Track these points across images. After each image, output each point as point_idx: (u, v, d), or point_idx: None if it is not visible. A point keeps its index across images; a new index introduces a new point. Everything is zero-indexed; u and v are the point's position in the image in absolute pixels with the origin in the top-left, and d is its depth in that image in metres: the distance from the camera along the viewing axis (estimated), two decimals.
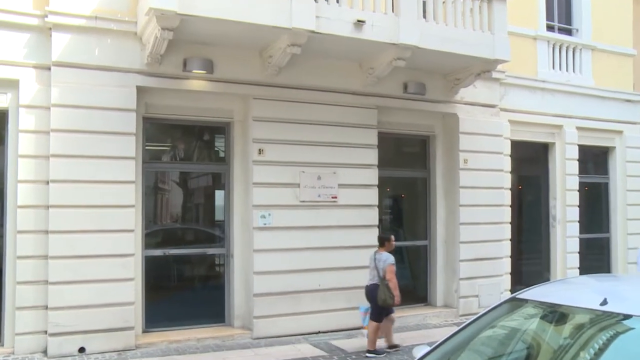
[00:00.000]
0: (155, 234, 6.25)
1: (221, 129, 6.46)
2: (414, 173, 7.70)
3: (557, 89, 8.21)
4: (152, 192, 6.31)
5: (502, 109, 7.71)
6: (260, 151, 6.10)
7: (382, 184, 6.93)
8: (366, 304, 5.60)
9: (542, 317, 2.32)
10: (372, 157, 6.79)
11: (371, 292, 5.49)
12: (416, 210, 7.79)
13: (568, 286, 2.60)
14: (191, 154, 6.68)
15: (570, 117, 8.28)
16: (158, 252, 6.08)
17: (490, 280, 7.11)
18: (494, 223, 7.45)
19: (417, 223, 7.76)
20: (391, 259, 5.51)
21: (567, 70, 8.37)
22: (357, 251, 6.48)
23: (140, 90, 5.69)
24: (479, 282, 6.88)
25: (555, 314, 2.30)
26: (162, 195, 6.55)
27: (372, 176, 6.77)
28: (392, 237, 5.75)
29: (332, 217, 6.47)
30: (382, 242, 5.70)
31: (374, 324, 5.48)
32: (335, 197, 6.49)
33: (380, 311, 5.48)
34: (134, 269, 5.57)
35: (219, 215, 6.47)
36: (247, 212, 6.19)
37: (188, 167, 6.61)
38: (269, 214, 6.09)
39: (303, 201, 6.33)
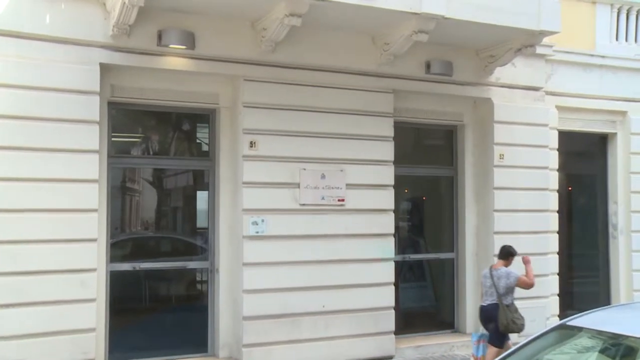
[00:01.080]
0: (123, 244, 6.20)
1: (204, 117, 6.40)
2: (438, 171, 7.66)
3: (620, 66, 7.89)
4: (120, 193, 6.25)
5: (548, 93, 7.56)
6: (252, 144, 6.05)
7: (399, 184, 6.92)
8: (478, 330, 5.70)
9: (602, 351, 2.25)
10: (387, 151, 6.71)
11: (490, 312, 5.57)
12: (440, 216, 7.75)
13: (635, 312, 2.50)
14: (168, 147, 6.65)
15: (636, 100, 7.97)
16: (126, 267, 6.01)
17: (532, 302, 6.93)
18: (536, 232, 7.34)
19: (442, 232, 7.72)
20: (516, 272, 5.67)
21: (635, 42, 7.99)
22: (370, 265, 6.42)
23: (105, 69, 5.58)
24: (518, 304, 6.71)
25: (619, 347, 2.19)
26: (132, 197, 6.48)
27: (387, 175, 6.70)
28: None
29: (339, 223, 6.40)
30: (507, 255, 5.80)
31: (494, 349, 5.54)
32: (343, 200, 6.45)
33: (502, 335, 5.60)
34: (96, 287, 5.46)
35: (201, 222, 6.45)
36: (235, 217, 6.13)
37: (164, 162, 6.55)
38: (262, 220, 6.05)
39: (303, 204, 6.27)
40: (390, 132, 6.75)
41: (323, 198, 6.34)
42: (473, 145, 7.50)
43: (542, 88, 7.55)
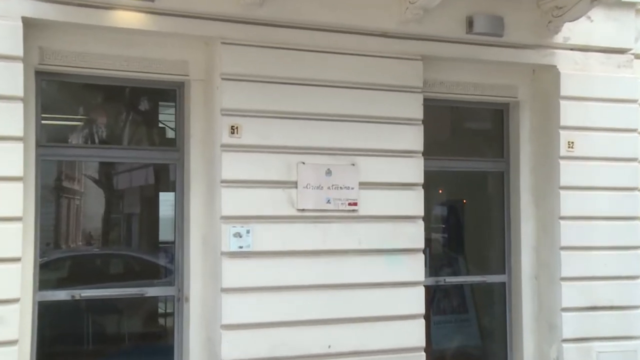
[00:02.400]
0: (58, 265, 6.18)
1: (169, 94, 6.33)
2: (484, 165, 7.56)
3: None
4: (54, 196, 6.21)
5: (638, 57, 7.36)
6: (233, 130, 5.91)
7: (431, 183, 6.92)
8: None
9: None
10: (415, 139, 6.55)
11: None
12: (487, 226, 7.77)
13: None
14: (119, 133, 6.64)
15: None
16: (62, 295, 5.83)
17: (617, 344, 6.82)
18: (623, 248, 7.11)
19: (489, 247, 7.73)
20: None
21: None
22: (392, 292, 6.33)
23: (30, 26, 5.38)
24: (597, 346, 6.76)
25: None
26: (71, 201, 6.46)
27: (414, 170, 6.54)
28: None
29: (350, 236, 6.26)
30: None
31: None
32: (355, 204, 6.30)
33: None
34: (20, 323, 5.26)
35: (165, 234, 6.50)
36: (211, 228, 6.01)
37: (114, 154, 6.40)
38: (248, 232, 5.94)
39: (302, 210, 6.12)
40: (418, 112, 6.57)
41: (329, 201, 6.24)
42: (531, 129, 7.30)
43: (630, 50, 7.31)
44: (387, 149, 6.49)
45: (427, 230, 6.81)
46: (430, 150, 6.73)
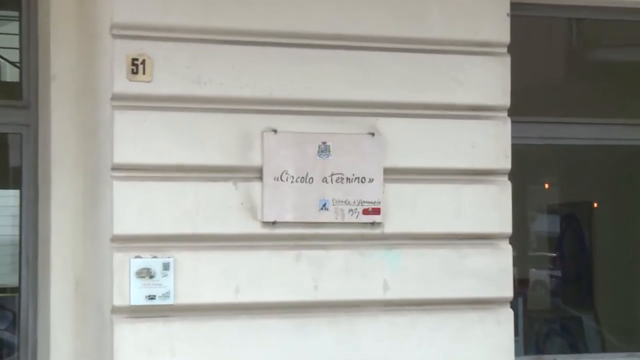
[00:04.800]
0: None
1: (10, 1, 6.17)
2: (628, 133, 6.96)
3: None
4: None
5: None
6: (135, 65, 5.36)
7: (527, 170, 6.96)
8: None
9: None
10: (494, 83, 5.95)
11: None
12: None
13: None
14: None
15: None
16: None
17: None
18: None
19: None
20: None
21: None
22: None
23: None
24: None
25: None
26: None
27: (492, 144, 5.95)
28: None
29: (368, 275, 5.66)
30: None
31: None
32: (377, 212, 5.65)
33: None
34: None
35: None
36: (93, 259, 5.59)
37: None
38: (166, 266, 5.33)
39: (273, 224, 5.51)
40: (502, 33, 5.95)
41: (325, 206, 5.59)
42: None
43: None
44: (438, 103, 5.84)
45: (520, 262, 6.83)
46: (520, 106, 6.09)
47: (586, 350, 7.58)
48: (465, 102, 5.88)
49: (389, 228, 5.66)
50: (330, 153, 5.56)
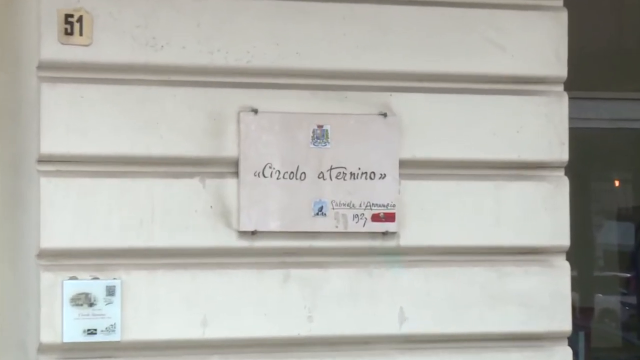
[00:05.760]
0: None
1: None
2: None
3: None
4: None
5: None
6: (69, 23, 5.32)
7: (588, 161, 7.03)
8: None
9: None
10: (542, 47, 5.69)
11: None
12: None
13: None
14: None
15: None
16: None
17: None
18: None
19: None
20: None
21: None
22: None
23: None
24: None
25: None
26: None
27: (542, 126, 5.67)
28: None
29: (380, 302, 5.43)
30: None
31: None
32: (392, 218, 5.41)
33: None
34: None
35: None
36: (13, 280, 5.42)
37: None
38: (110, 290, 5.24)
39: (252, 234, 5.28)
40: None
41: (321, 210, 5.37)
42: None
43: None
44: (471, 74, 5.42)
45: (581, 284, 6.95)
46: (585, 76, 5.94)
47: None
48: (507, 72, 5.46)
49: (407, 240, 5.26)
50: (329, 140, 5.21)
